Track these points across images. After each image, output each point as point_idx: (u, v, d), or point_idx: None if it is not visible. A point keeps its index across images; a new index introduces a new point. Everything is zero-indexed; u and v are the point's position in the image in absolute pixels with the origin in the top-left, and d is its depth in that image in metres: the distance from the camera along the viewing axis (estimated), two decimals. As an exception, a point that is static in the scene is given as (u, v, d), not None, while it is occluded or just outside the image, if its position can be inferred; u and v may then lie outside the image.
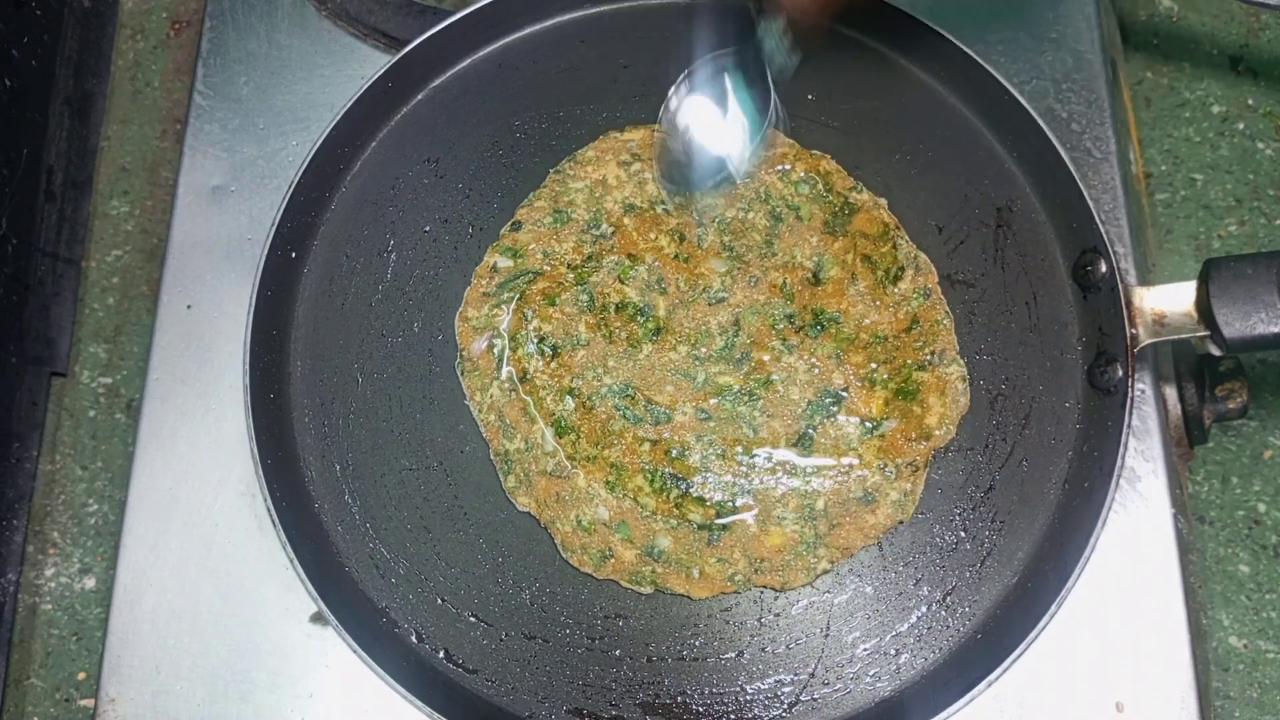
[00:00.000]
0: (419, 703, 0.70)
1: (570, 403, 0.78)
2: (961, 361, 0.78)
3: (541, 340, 0.79)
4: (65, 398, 0.89)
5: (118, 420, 0.88)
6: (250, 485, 0.78)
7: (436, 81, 0.87)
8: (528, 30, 0.88)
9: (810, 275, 0.80)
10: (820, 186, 0.82)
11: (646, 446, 0.77)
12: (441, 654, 0.75)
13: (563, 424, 0.78)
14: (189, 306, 0.84)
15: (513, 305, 0.81)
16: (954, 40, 0.81)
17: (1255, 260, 0.69)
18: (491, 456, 0.78)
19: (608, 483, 0.76)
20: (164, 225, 0.88)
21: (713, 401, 0.78)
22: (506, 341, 0.80)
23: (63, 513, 0.86)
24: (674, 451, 0.77)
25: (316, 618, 0.77)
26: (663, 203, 0.82)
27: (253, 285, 0.78)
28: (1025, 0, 0.89)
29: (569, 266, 0.81)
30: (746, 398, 0.78)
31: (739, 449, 0.77)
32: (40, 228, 0.88)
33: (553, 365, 0.79)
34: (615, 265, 0.81)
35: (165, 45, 0.98)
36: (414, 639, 0.75)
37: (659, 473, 0.77)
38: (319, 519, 0.78)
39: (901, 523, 0.76)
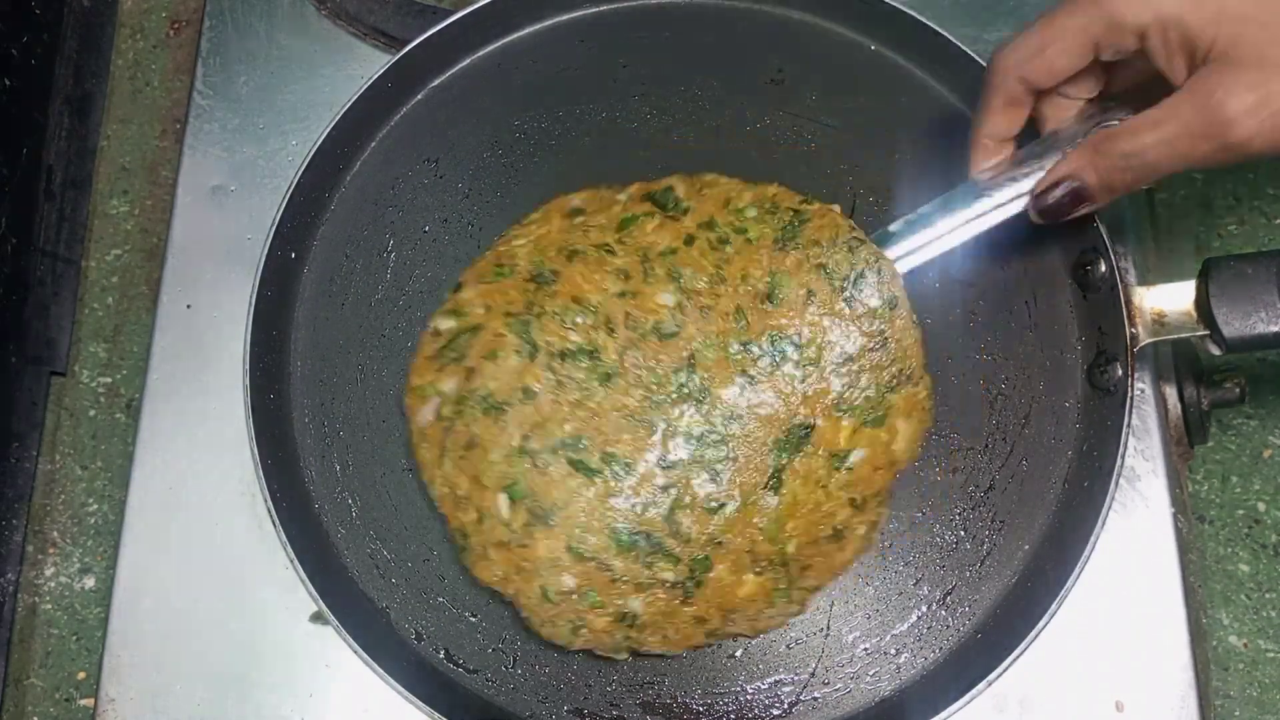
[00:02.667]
0: (419, 703, 0.70)
1: (523, 464, 0.72)
2: (928, 377, 0.74)
3: (486, 398, 0.73)
4: (65, 397, 0.89)
5: (118, 420, 0.88)
6: (250, 485, 0.78)
7: (436, 81, 0.87)
8: (528, 30, 0.88)
9: (764, 296, 0.74)
10: (767, 207, 0.77)
11: (608, 503, 0.71)
12: (441, 654, 0.75)
13: (516, 488, 0.71)
14: (189, 306, 0.84)
15: (456, 366, 0.74)
16: (954, 40, 0.81)
17: (1255, 259, 0.69)
18: (449, 532, 0.73)
19: (570, 547, 0.70)
20: (164, 225, 0.88)
21: (674, 446, 0.72)
22: (452, 406, 0.73)
23: (63, 512, 0.86)
24: (638, 506, 0.71)
25: (316, 618, 0.77)
26: (607, 246, 0.76)
27: (253, 285, 0.78)
28: (1025, 0, 0.89)
29: (508, 314, 0.75)
30: (711, 440, 0.72)
31: (706, 497, 0.71)
32: (40, 227, 0.88)
33: (500, 424, 0.72)
34: (559, 310, 0.74)
35: (165, 45, 0.98)
36: (414, 639, 0.75)
37: (624, 531, 0.71)
38: (319, 519, 0.78)
39: (868, 553, 0.74)
